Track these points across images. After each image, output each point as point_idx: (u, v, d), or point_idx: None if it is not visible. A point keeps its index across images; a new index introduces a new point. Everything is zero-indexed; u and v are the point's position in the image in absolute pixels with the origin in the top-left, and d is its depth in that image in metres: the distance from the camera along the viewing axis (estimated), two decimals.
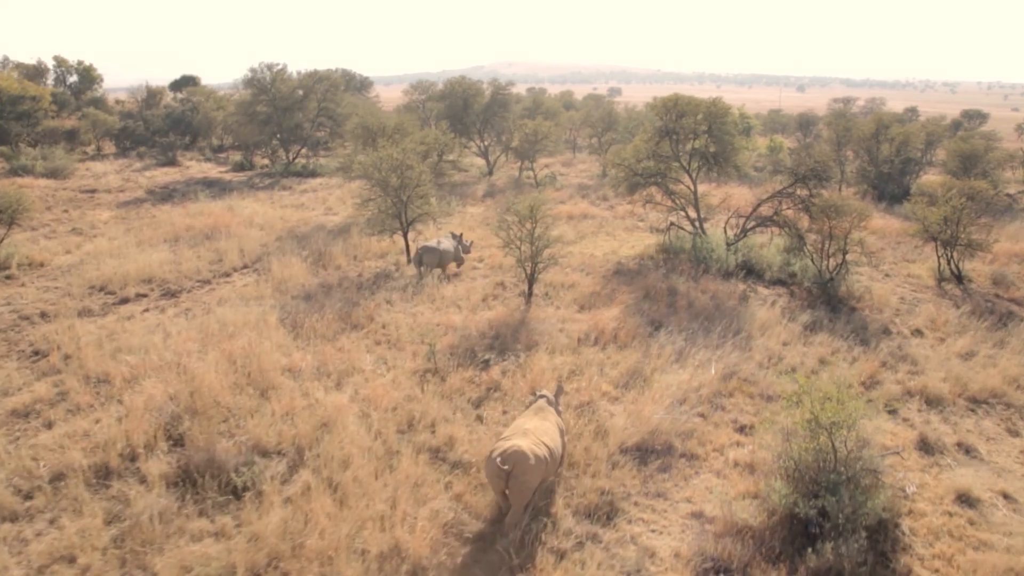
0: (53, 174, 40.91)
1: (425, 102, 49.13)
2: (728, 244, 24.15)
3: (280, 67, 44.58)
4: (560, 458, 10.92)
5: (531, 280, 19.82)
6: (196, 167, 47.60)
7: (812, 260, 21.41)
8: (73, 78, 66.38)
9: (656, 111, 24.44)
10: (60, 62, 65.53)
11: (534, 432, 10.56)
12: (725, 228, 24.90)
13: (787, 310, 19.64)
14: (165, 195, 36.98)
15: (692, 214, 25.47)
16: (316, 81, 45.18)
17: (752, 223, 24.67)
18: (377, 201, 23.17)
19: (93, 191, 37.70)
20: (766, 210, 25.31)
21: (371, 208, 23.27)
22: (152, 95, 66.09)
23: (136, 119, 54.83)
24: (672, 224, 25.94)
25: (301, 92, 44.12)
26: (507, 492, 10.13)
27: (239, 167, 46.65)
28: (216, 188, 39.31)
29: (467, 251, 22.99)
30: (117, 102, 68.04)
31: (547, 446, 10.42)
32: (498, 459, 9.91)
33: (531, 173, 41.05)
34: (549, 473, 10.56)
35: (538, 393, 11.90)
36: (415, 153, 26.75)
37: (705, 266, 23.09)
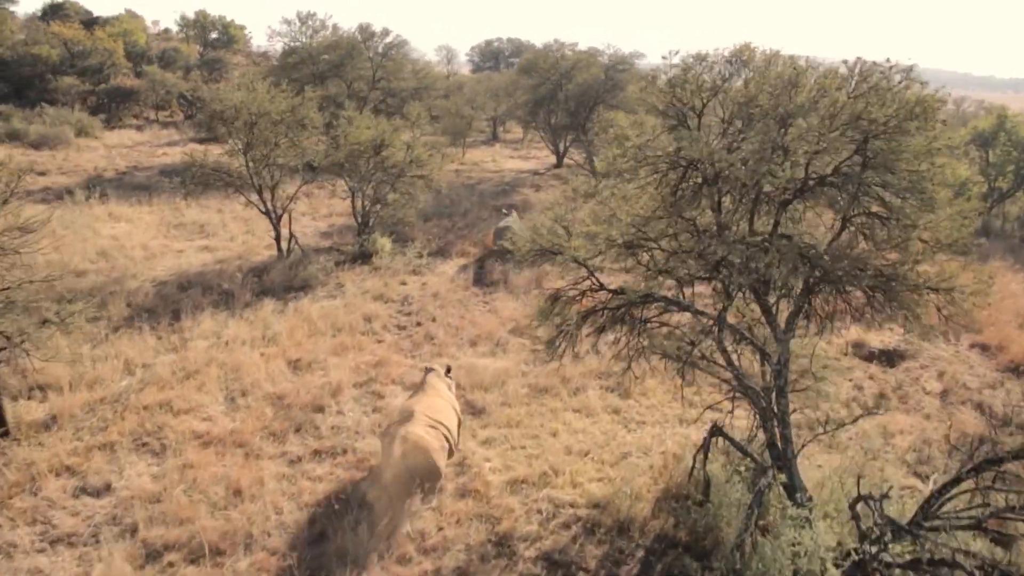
0: (41, 143, 32.71)
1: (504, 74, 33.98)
2: (868, 540, 6.97)
3: (320, 19, 32.34)
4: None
5: None
6: None
7: None
8: (213, 35, 60.75)
9: (675, 90, 7.47)
10: (201, 16, 60.02)
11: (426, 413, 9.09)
12: (854, 511, 7.46)
13: None
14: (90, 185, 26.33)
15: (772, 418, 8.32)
16: (365, 39, 32.21)
17: (962, 490, 7.14)
18: None
19: (26, 171, 28.31)
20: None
21: None
22: None
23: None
24: (716, 430, 9.04)
25: (327, 57, 31.34)
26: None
27: None
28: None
29: None
30: (256, 62, 61.45)
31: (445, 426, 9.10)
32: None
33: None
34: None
35: (427, 367, 10.34)
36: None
37: None
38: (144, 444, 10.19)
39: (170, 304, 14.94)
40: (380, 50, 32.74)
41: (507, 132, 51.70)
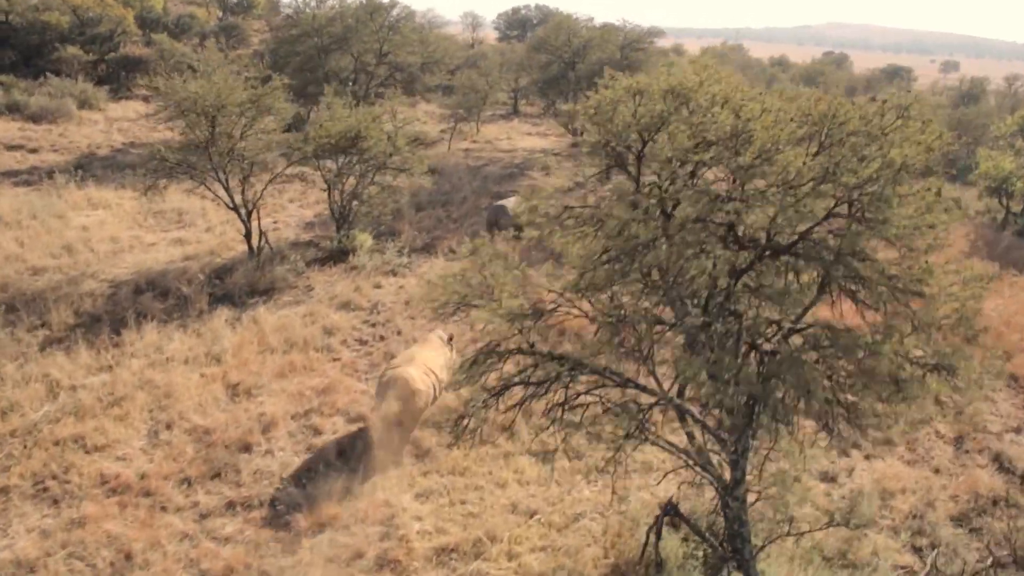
0: (41, 116, 31.97)
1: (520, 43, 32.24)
2: None
3: None
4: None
5: None
6: None
7: None
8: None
9: (605, 125, 6.09)
10: None
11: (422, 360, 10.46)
12: None
13: None
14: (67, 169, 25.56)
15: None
16: (371, 11, 30.70)
17: None
18: None
19: (18, 147, 27.69)
20: None
21: None
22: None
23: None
24: (670, 507, 7.78)
25: (338, 25, 30.02)
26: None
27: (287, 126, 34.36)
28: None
29: None
30: (272, 28, 60.22)
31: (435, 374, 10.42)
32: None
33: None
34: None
35: (432, 330, 11.66)
36: None
37: None
38: (45, 490, 9.26)
39: (120, 311, 13.99)
40: (387, 23, 31.23)
41: (529, 105, 49.80)
